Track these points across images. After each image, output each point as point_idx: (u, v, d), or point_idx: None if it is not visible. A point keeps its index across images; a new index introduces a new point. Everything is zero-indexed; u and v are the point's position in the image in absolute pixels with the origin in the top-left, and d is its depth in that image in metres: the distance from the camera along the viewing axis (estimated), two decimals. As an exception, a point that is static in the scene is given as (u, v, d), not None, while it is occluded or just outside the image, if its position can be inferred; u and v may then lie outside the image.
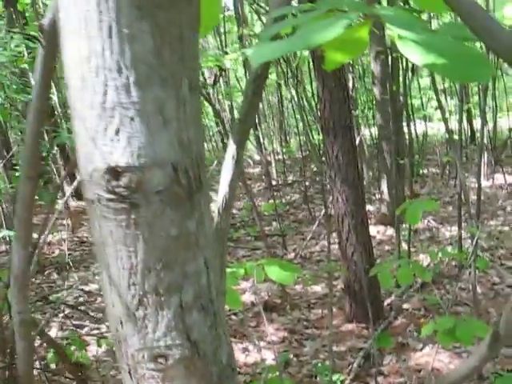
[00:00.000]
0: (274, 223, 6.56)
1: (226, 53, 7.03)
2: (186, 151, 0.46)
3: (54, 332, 3.81)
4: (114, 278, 0.47)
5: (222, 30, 8.01)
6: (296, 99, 7.10)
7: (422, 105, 10.20)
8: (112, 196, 0.46)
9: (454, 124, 7.93)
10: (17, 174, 4.41)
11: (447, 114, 8.83)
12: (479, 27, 0.64)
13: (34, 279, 5.08)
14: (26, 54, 4.64)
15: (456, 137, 5.04)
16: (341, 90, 3.76)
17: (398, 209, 2.93)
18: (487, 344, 0.88)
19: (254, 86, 1.08)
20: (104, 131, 0.45)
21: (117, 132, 0.45)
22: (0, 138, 7.88)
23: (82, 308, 4.43)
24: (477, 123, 10.25)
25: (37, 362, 2.61)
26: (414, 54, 0.73)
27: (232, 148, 1.14)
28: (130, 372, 0.51)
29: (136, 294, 0.47)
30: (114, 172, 0.45)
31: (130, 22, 0.43)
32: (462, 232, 4.50)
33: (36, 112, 0.88)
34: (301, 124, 8.48)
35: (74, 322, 4.05)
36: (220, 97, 9.15)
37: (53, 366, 2.93)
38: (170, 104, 0.46)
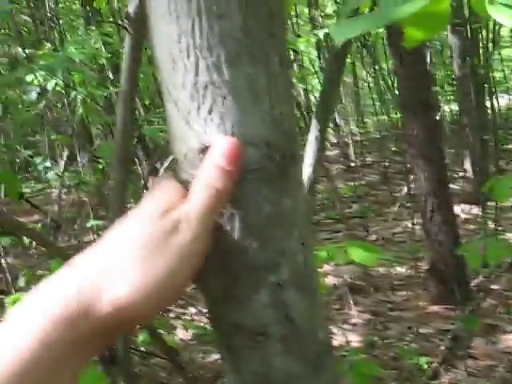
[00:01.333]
0: (355, 205, 6.50)
1: (299, 36, 6.98)
2: (279, 127, 0.46)
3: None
4: (210, 256, 0.48)
5: (292, 13, 7.95)
6: (372, 78, 6.98)
7: (505, 77, 9.79)
8: (205, 176, 0.46)
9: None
10: (100, 166, 4.57)
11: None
12: None
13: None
14: (103, 49, 4.78)
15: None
16: (418, 65, 3.66)
17: (483, 186, 2.83)
18: None
19: (336, 63, 1.07)
20: (197, 111, 0.46)
21: (210, 111, 0.45)
22: (83, 132, 8.19)
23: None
24: None
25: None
26: (505, 16, 0.70)
27: (315, 128, 1.13)
28: (228, 350, 0.51)
29: (233, 272, 0.48)
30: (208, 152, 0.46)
31: (218, 1, 0.43)
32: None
33: (125, 96, 0.91)
34: (378, 103, 8.33)
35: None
36: (294, 80, 9.10)
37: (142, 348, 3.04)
38: (261, 81, 0.46)
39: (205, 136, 0.46)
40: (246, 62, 0.44)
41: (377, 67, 5.51)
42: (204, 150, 0.46)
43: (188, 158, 0.47)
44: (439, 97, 7.87)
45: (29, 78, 3.49)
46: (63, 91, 4.35)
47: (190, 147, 0.47)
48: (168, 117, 0.49)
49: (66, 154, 4.91)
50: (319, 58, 8.35)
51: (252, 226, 0.46)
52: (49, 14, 6.04)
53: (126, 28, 0.74)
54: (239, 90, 0.44)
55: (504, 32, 8.66)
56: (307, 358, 0.50)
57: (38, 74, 3.44)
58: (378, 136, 8.50)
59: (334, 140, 9.09)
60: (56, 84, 3.77)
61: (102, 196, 4.70)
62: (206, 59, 0.44)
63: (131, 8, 0.65)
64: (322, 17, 7.19)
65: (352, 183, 6.11)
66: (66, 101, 4.59)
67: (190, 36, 0.44)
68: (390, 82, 6.60)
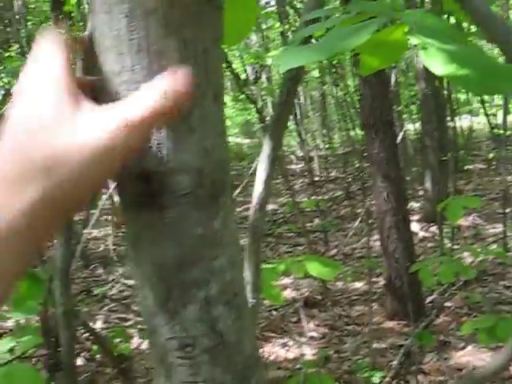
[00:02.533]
0: (317, 220, 6.58)
1: (268, 50, 7.06)
2: (210, 157, 0.50)
3: (99, 324, 3.92)
4: (146, 273, 0.52)
5: (263, 27, 8.03)
6: (338, 95, 7.09)
7: (468, 99, 10.02)
8: (142, 199, 0.50)
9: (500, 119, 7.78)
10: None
11: (494, 109, 8.67)
12: (496, 37, 0.66)
13: (79, 273, 5.23)
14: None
15: (502, 131, 4.95)
16: (382, 85, 3.76)
17: (438, 205, 2.92)
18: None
19: (288, 86, 1.12)
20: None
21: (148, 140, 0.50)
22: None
23: (126, 301, 4.54)
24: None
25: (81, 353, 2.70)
26: (436, 63, 0.74)
27: (267, 147, 1.18)
28: (160, 360, 0.55)
29: (166, 289, 0.51)
30: (144, 176, 0.49)
31: (158, 39, 0.47)
32: (507, 230, 4.43)
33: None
34: (344, 119, 8.45)
35: (119, 315, 4.17)
36: (263, 93, 9.18)
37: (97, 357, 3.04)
38: (195, 113, 0.50)
39: (142, 161, 0.50)
40: (181, 96, 0.48)
41: (341, 85, 5.61)
42: (140, 174, 0.50)
43: (125, 181, 0.51)
44: (404, 116, 8.03)
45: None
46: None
47: (128, 170, 0.51)
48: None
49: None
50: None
51: (184, 245, 0.50)
52: (17, 16, 6.00)
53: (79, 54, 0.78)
54: (175, 121, 0.49)
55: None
56: (234, 369, 0.54)
57: (3, 76, 3.43)
58: (343, 152, 8.63)
59: (300, 154, 9.19)
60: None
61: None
62: (145, 92, 0.48)
63: (85, 35, 0.68)
64: (292, 32, 7.29)
65: (315, 197, 6.19)
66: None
67: (130, 71, 0.48)
68: (355, 99, 6.72)
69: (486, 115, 4.01)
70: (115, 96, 0.48)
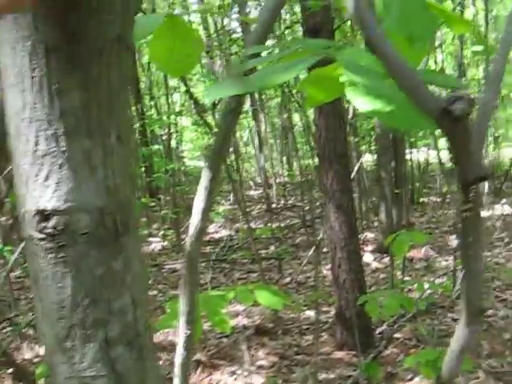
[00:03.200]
0: (272, 247, 6.59)
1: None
2: (113, 197, 0.50)
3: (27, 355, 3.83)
4: (46, 310, 0.51)
5: (228, 52, 8.09)
6: (298, 123, 7.17)
7: (425, 133, 10.24)
8: (42, 236, 0.49)
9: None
10: None
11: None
12: (407, 89, 0.67)
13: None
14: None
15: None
16: (337, 116, 3.80)
17: (386, 240, 2.95)
18: None
19: (228, 119, 1.12)
20: (35, 177, 0.49)
21: (46, 178, 0.49)
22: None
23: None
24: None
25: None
26: (361, 100, 0.76)
27: (205, 179, 1.18)
28: (61, 399, 0.54)
29: (64, 327, 0.50)
30: (43, 214, 0.49)
31: (60, 78, 0.47)
32: (456, 263, 4.51)
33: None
34: (304, 147, 8.54)
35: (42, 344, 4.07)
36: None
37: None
38: (96, 153, 0.50)
39: (41, 199, 0.49)
40: (83, 135, 0.48)
41: (301, 114, 5.67)
42: (39, 212, 0.49)
43: (26, 219, 0.50)
44: (362, 147, 8.15)
45: None
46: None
47: (27, 208, 0.50)
48: (14, 178, 0.52)
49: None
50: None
51: (84, 284, 0.49)
52: None
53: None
54: (75, 160, 0.48)
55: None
56: (135, 412, 0.53)
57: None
58: (302, 180, 8.70)
59: (259, 180, 9.23)
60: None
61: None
62: (45, 131, 0.48)
63: None
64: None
65: (272, 224, 6.20)
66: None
67: (33, 108, 0.48)
68: (313, 129, 6.80)
69: (437, 150, 4.11)
70: (18, 132, 0.48)
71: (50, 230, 0.49)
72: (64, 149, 0.49)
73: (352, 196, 3.90)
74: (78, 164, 0.49)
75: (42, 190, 0.49)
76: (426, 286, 3.27)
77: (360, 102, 0.80)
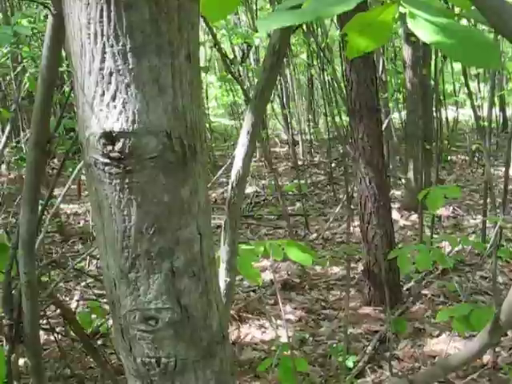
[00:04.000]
0: (298, 203, 6.56)
1: (257, 31, 6.98)
2: (181, 119, 0.47)
3: (75, 300, 3.89)
4: (109, 240, 0.49)
5: (254, 7, 7.93)
6: (324, 79, 7.05)
7: (455, 90, 10.02)
8: (107, 160, 0.47)
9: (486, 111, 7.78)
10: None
11: (479, 101, 8.68)
12: (489, 9, 0.64)
13: (58, 248, 5.18)
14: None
15: (486, 123, 4.95)
16: (368, 70, 3.72)
17: (419, 194, 2.91)
18: (488, 331, 0.88)
19: (272, 60, 1.09)
20: (101, 96, 0.47)
21: (113, 98, 0.46)
22: (31, 109, 7.99)
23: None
24: (510, 111, 10.06)
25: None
26: (423, 31, 0.73)
27: (248, 124, 1.15)
28: (122, 332, 0.52)
29: (129, 257, 0.48)
30: (110, 137, 0.46)
31: (128, -9, 0.44)
32: (487, 221, 4.45)
33: (44, 81, 0.90)
34: (329, 105, 8.42)
35: (96, 291, 4.13)
36: (250, 74, 9.10)
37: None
38: (165, 72, 0.47)
39: (107, 121, 0.47)
40: (151, 52, 0.45)
41: (328, 69, 5.56)
42: (105, 135, 0.47)
43: (90, 142, 0.48)
44: (390, 104, 8.01)
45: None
46: (10, 65, 4.24)
47: (92, 131, 0.48)
48: (75, 99, 0.50)
49: (7, 129, 4.76)
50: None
51: (150, 212, 0.47)
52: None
53: (49, 8, 0.74)
54: (143, 79, 0.45)
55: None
56: (198, 345, 0.52)
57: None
58: (328, 137, 8.60)
59: (285, 138, 9.14)
60: (5, 54, 3.68)
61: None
62: (112, 47, 0.45)
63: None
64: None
65: (298, 181, 6.16)
66: (12, 74, 4.48)
67: (99, 23, 0.45)
68: (342, 85, 6.68)
69: (473, 106, 4.02)
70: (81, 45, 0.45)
71: (115, 154, 0.46)
72: (132, 66, 0.46)
73: (383, 151, 3.84)
74: (146, 83, 0.46)
75: (108, 111, 0.46)
76: (460, 242, 3.23)
77: (423, 33, 0.78)
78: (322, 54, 5.25)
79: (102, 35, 0.45)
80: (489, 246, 4.29)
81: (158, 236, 0.47)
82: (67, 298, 3.87)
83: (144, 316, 0.49)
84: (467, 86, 4.06)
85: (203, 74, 7.94)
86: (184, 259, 0.49)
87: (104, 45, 0.45)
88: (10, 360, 1.00)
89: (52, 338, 2.84)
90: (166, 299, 0.48)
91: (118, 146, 0.46)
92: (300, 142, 8.66)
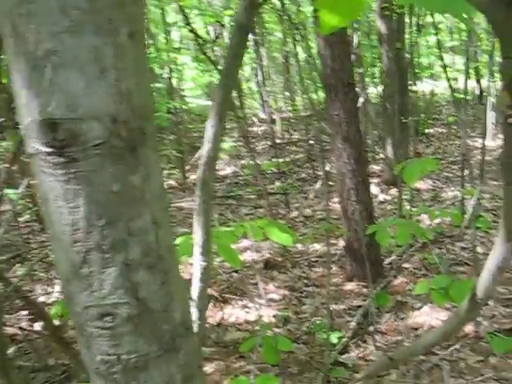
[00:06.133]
0: (277, 182, 6.55)
1: (231, 9, 6.90)
2: (126, 102, 0.44)
3: (57, 289, 3.85)
4: (58, 235, 0.46)
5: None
6: (299, 56, 7.01)
7: (430, 63, 10.03)
8: (50, 149, 0.44)
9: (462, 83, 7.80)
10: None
11: (455, 73, 8.70)
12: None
13: (37, 237, 5.11)
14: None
15: (462, 95, 4.95)
16: (343, 45, 3.68)
17: (396, 168, 2.90)
18: (465, 306, 0.87)
19: (238, 36, 1.05)
20: (38, 81, 0.43)
21: (51, 82, 0.43)
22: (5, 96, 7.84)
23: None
24: (485, 82, 10.09)
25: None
26: None
27: (216, 103, 1.11)
28: (79, 329, 0.50)
29: (80, 251, 0.45)
30: (50, 124, 0.43)
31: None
32: (464, 193, 4.47)
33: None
34: (305, 82, 8.38)
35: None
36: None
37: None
38: (106, 52, 0.43)
39: (46, 108, 0.43)
40: (90, 31, 0.42)
41: (303, 45, 5.52)
42: (45, 122, 0.43)
43: (31, 131, 0.45)
44: (366, 79, 7.99)
45: None
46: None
47: (32, 118, 0.44)
48: (13, 85, 0.46)
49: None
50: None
51: (99, 203, 0.44)
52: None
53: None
54: (82, 60, 0.42)
55: (429, 18, 8.87)
56: (160, 339, 0.49)
57: None
58: (305, 114, 8.57)
59: (262, 116, 9.11)
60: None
61: (19, 162, 4.52)
62: (47, 26, 0.41)
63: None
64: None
65: (277, 160, 6.14)
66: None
67: (30, 2, 0.41)
68: (317, 61, 6.64)
69: (448, 79, 4.01)
70: None
71: (58, 143, 0.43)
72: (69, 47, 0.42)
73: (359, 126, 3.83)
74: (86, 65, 0.43)
75: (46, 97, 0.43)
76: (437, 214, 3.24)
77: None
78: (295, 31, 5.20)
79: (36, 14, 0.41)
80: (468, 217, 4.32)
81: (110, 228, 0.44)
82: (50, 289, 3.83)
83: (100, 312, 0.46)
84: (441, 58, 4.04)
85: (177, 55, 7.84)
86: (139, 251, 0.46)
87: (38, 25, 0.42)
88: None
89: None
90: (122, 294, 0.46)
91: (60, 133, 0.42)
92: (277, 120, 8.63)
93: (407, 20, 6.19)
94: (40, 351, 3.02)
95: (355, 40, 5.99)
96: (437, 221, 4.70)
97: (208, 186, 1.15)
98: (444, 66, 4.10)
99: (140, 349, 0.48)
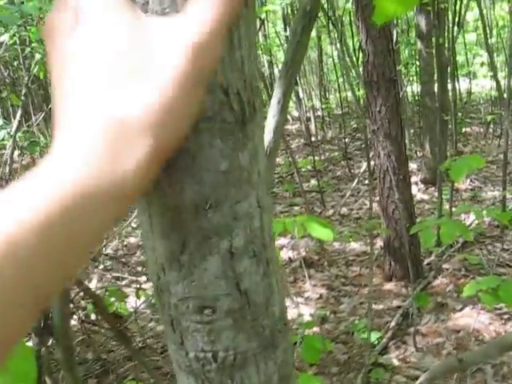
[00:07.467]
0: (313, 180, 6.50)
1: (264, 4, 6.88)
2: (239, 72, 0.39)
3: (93, 283, 3.86)
4: (156, 218, 0.42)
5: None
6: (337, 52, 6.92)
7: (467, 61, 9.85)
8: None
9: (501, 82, 7.63)
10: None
11: (492, 72, 8.53)
12: None
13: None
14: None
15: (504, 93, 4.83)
16: (385, 41, 3.63)
17: (441, 166, 2.83)
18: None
19: (303, 23, 1.01)
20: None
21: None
22: (40, 93, 7.94)
23: (122, 260, 4.47)
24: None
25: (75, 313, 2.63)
26: None
27: (278, 92, 1.07)
28: (172, 324, 0.46)
29: (180, 237, 0.41)
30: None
31: None
32: (506, 192, 4.37)
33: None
34: (341, 79, 8.29)
35: (114, 274, 4.10)
36: (259, 52, 8.98)
37: (93, 316, 2.97)
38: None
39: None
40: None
41: (342, 42, 5.45)
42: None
43: None
44: (402, 76, 7.88)
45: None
46: (18, 48, 4.18)
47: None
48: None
49: (19, 113, 4.72)
50: (285, 30, 8.23)
51: (205, 183, 0.39)
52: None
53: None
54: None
55: (469, 16, 8.70)
56: (260, 336, 0.45)
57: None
58: (340, 112, 8.49)
59: (296, 114, 9.04)
60: (13, 36, 3.61)
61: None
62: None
63: None
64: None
65: (312, 158, 6.09)
66: (21, 58, 4.41)
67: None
68: (354, 59, 6.55)
69: (495, 75, 3.90)
70: None
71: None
72: (181, 10, 0.38)
73: (401, 123, 3.76)
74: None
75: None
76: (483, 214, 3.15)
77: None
78: (337, 26, 5.14)
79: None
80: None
81: (215, 211, 0.40)
82: (86, 282, 3.84)
83: (198, 305, 0.42)
84: (490, 55, 3.94)
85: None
86: (244, 237, 0.42)
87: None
88: (40, 354, 0.94)
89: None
90: (224, 284, 0.41)
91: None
92: (312, 118, 8.57)
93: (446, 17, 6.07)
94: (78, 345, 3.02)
95: (394, 37, 5.89)
96: (478, 220, 4.61)
97: (267, 179, 1.11)
98: (492, 63, 4.00)
99: (239, 345, 0.44)
